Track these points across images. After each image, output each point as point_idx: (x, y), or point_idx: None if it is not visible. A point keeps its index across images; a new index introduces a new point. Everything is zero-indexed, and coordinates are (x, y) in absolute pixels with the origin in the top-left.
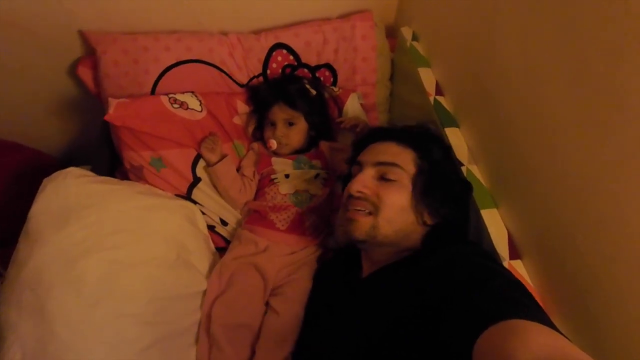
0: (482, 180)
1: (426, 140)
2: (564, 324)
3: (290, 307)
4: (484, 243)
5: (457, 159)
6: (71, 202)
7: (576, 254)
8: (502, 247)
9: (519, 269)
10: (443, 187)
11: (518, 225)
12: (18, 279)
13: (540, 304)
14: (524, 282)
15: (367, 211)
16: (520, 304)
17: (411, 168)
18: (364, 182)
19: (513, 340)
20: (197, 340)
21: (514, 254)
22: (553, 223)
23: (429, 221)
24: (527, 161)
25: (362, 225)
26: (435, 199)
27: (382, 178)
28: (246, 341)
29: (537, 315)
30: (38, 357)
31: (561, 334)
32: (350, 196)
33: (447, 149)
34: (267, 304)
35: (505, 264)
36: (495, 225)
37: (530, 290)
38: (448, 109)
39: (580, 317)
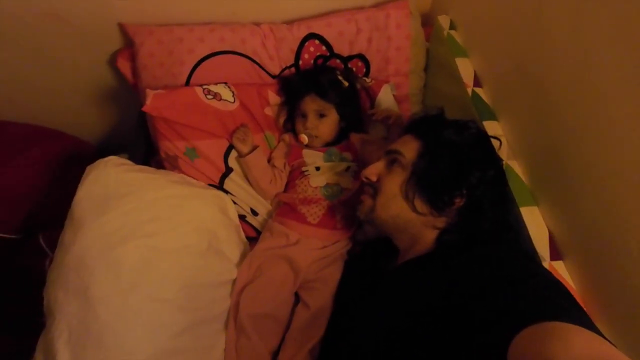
0: (522, 177)
1: (437, 130)
2: (609, 329)
3: (321, 301)
4: (523, 242)
5: (495, 154)
6: (111, 190)
7: (628, 258)
8: (542, 247)
9: (560, 270)
10: (440, 176)
11: (561, 224)
12: (64, 262)
13: (583, 307)
14: (565, 284)
15: (370, 194)
16: (561, 305)
17: (412, 156)
18: (374, 169)
19: (553, 343)
20: (226, 327)
21: (555, 254)
22: (602, 223)
23: (420, 209)
24: (575, 156)
25: (364, 206)
26: (428, 187)
27: (389, 165)
28: (273, 331)
29: (580, 318)
30: (81, 336)
31: (605, 338)
32: (362, 181)
33: (458, 144)
34: (296, 295)
35: (546, 264)
36: (536, 223)
37: (572, 293)
38: (486, 101)
39: (628, 325)
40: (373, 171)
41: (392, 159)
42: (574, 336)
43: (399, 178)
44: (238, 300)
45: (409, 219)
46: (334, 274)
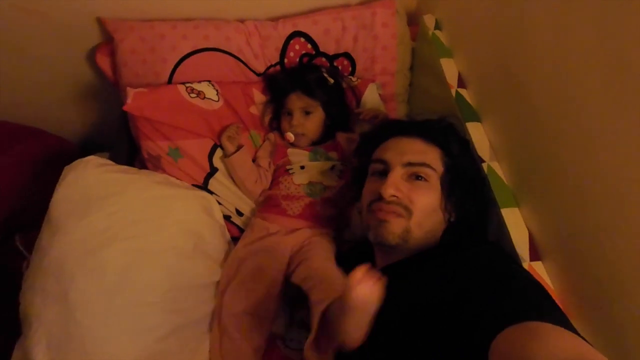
0: (503, 178)
1: (449, 136)
2: (586, 329)
3: (318, 259)
4: (504, 243)
5: (478, 155)
6: (91, 192)
7: (603, 259)
8: (522, 248)
9: (539, 270)
10: (466, 185)
11: (540, 225)
12: (41, 267)
13: (561, 307)
14: (544, 285)
15: (397, 214)
16: (541, 306)
17: (439, 167)
18: (396, 184)
19: (533, 342)
20: (211, 329)
21: (535, 255)
22: (580, 225)
23: (453, 219)
24: (555, 158)
25: (395, 228)
26: (460, 197)
27: (411, 178)
28: (256, 328)
29: (559, 318)
30: (61, 343)
31: (582, 337)
32: (380, 198)
33: (466, 143)
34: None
35: (525, 265)
36: (516, 224)
37: (551, 293)
38: (470, 102)
39: (603, 324)
40: (397, 187)
41: (416, 172)
42: (553, 336)
43: (435, 191)
44: (221, 301)
45: (439, 229)
46: (322, 242)
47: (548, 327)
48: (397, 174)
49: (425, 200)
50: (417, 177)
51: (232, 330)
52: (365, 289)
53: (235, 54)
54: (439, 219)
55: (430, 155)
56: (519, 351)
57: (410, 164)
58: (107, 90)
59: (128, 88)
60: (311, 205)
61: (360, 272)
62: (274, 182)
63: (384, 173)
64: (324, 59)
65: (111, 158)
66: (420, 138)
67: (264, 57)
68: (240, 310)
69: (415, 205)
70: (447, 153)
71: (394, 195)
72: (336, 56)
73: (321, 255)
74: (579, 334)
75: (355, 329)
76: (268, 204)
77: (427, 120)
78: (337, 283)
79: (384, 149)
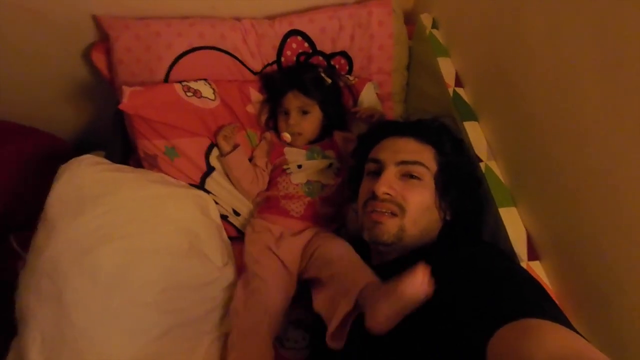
0: (501, 177)
1: (443, 136)
2: (583, 327)
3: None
4: (501, 243)
5: (475, 155)
6: (86, 191)
7: (600, 259)
8: (520, 248)
9: (537, 270)
10: (460, 183)
11: (538, 225)
12: (36, 266)
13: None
14: (542, 284)
15: (390, 212)
16: (538, 303)
17: (433, 166)
18: (389, 183)
19: (529, 339)
20: (209, 329)
21: (533, 254)
22: (577, 225)
23: (449, 217)
24: (552, 158)
25: (389, 227)
26: (455, 195)
27: (405, 177)
28: (272, 331)
29: (556, 315)
30: (56, 343)
31: (579, 334)
32: (374, 197)
33: (460, 142)
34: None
35: (523, 264)
36: (514, 224)
37: (548, 292)
38: (467, 101)
39: (600, 322)
40: (391, 185)
41: (409, 170)
42: (549, 332)
43: (428, 189)
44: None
45: (434, 228)
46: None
47: (545, 324)
48: (390, 173)
49: (418, 198)
50: (411, 176)
51: (260, 331)
52: (423, 290)
53: (232, 52)
54: (435, 218)
55: (423, 154)
56: (515, 349)
57: (403, 163)
58: (102, 89)
59: (124, 87)
60: (311, 205)
61: (422, 273)
62: (272, 182)
63: (378, 172)
64: (320, 58)
65: (108, 157)
66: (414, 138)
67: (261, 55)
68: (264, 313)
69: (409, 203)
70: (440, 152)
71: (387, 194)
72: (333, 55)
73: (337, 242)
74: (576, 331)
75: (393, 319)
76: (267, 204)
77: (421, 120)
78: (359, 273)
79: (378, 149)
